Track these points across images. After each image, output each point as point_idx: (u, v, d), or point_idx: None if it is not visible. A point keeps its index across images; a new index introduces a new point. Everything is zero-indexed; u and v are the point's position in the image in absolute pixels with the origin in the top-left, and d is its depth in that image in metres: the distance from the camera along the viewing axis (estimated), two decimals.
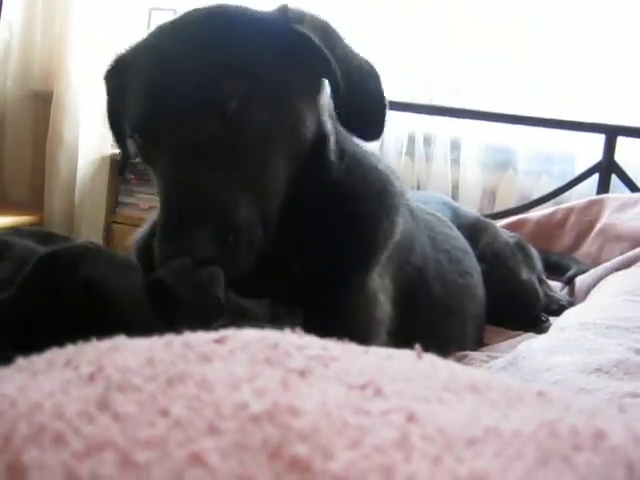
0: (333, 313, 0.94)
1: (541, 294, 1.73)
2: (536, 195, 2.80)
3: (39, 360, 0.42)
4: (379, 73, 0.97)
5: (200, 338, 0.41)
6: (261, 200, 0.88)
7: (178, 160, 0.86)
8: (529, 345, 1.15)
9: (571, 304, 1.78)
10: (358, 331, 0.97)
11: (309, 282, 0.94)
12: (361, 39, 3.02)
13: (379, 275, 1.05)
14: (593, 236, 2.26)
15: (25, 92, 3.32)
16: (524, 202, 2.79)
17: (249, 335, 0.41)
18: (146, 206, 3.21)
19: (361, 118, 0.95)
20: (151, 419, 0.31)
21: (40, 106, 3.33)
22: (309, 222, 0.96)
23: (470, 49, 2.96)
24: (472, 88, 3.00)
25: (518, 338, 1.54)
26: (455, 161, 2.97)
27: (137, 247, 1.07)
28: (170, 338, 0.42)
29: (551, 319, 1.67)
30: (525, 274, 1.70)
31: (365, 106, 0.94)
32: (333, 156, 1.00)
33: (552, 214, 2.41)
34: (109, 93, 1.06)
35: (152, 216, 1.07)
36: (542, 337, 1.30)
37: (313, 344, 0.40)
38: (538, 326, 1.63)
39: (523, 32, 2.91)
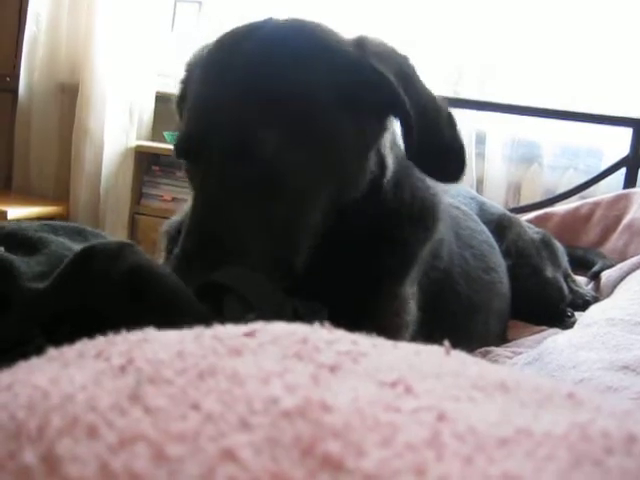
0: (364, 318, 0.94)
1: (566, 291, 1.72)
2: (562, 189, 2.78)
3: (70, 351, 0.43)
4: (452, 113, 0.94)
5: (229, 331, 0.41)
6: (286, 247, 0.87)
7: (208, 193, 0.85)
8: (555, 341, 1.14)
9: (596, 299, 1.77)
10: (387, 333, 0.97)
11: (341, 295, 0.93)
12: (387, 29, 3.01)
13: (410, 282, 1.05)
14: (620, 231, 2.23)
15: (51, 84, 3.35)
16: (549, 196, 2.76)
17: (278, 329, 0.41)
18: (170, 197, 3.23)
19: (436, 160, 0.91)
20: (183, 413, 0.31)
21: (66, 98, 3.36)
22: (350, 243, 0.95)
23: (497, 42, 2.94)
24: (498, 81, 2.97)
25: (543, 333, 1.53)
26: (480, 155, 2.95)
27: (168, 236, 1.07)
28: (199, 331, 0.43)
29: (576, 314, 1.66)
30: (550, 272, 1.68)
31: (439, 147, 0.91)
32: (388, 187, 0.97)
33: (578, 208, 2.39)
34: (182, 82, 1.02)
35: (184, 206, 1.07)
36: (568, 333, 1.29)
37: (343, 339, 0.40)
38: (563, 322, 1.62)
39: (550, 25, 2.88)
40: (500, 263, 1.49)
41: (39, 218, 3.16)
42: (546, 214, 2.41)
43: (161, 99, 3.32)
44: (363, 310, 0.95)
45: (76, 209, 3.27)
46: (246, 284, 0.70)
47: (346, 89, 0.87)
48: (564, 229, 2.31)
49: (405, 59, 0.93)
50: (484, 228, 1.52)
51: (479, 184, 2.93)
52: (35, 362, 0.43)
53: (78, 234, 0.78)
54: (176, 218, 1.09)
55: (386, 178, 0.97)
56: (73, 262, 0.60)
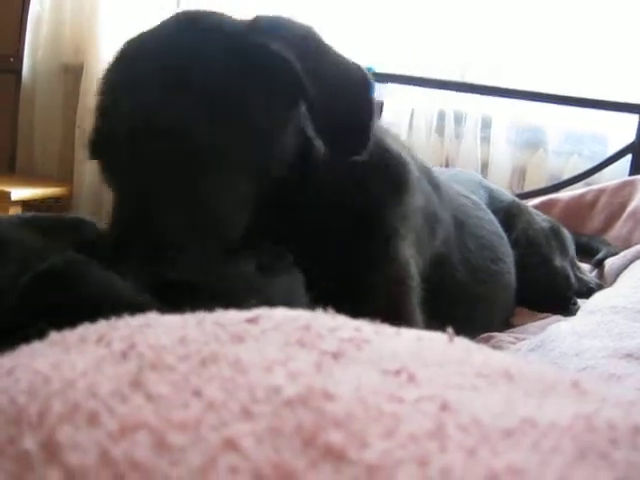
0: (363, 295, 0.93)
1: (573, 280, 1.72)
2: (566, 175, 2.77)
3: (71, 335, 0.43)
4: (371, 81, 0.91)
5: (232, 317, 0.41)
6: (215, 222, 0.86)
7: (124, 180, 0.85)
8: (558, 327, 1.14)
9: (600, 287, 1.76)
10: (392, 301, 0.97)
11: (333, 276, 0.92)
12: (392, 14, 2.99)
13: (405, 243, 1.04)
14: (624, 218, 2.22)
15: (55, 65, 3.33)
16: (554, 182, 2.75)
17: (281, 315, 0.41)
18: None
19: (341, 138, 0.89)
20: (185, 401, 0.31)
21: (70, 79, 3.34)
22: (315, 222, 0.95)
23: (504, 27, 2.92)
24: (504, 66, 2.95)
25: (546, 320, 1.53)
26: (485, 139, 2.94)
27: None
28: (202, 316, 0.42)
29: (580, 301, 1.66)
30: (559, 261, 1.68)
31: (346, 127, 0.89)
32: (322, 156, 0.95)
33: (583, 195, 2.37)
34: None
35: None
36: (571, 320, 1.28)
37: (345, 325, 0.40)
38: (567, 309, 1.62)
39: (556, 10, 2.86)
40: (508, 254, 1.48)
41: (43, 199, 3.16)
42: (551, 200, 2.39)
43: None
44: (362, 288, 0.94)
45: (80, 190, 3.26)
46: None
47: (246, 70, 0.87)
48: (569, 215, 2.30)
49: (308, 31, 0.91)
50: (493, 218, 1.51)
51: (484, 168, 2.92)
52: (37, 346, 0.42)
53: (49, 228, 0.77)
54: None
55: (315, 148, 0.95)
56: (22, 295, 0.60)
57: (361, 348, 0.37)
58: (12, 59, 3.39)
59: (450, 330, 0.46)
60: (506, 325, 1.52)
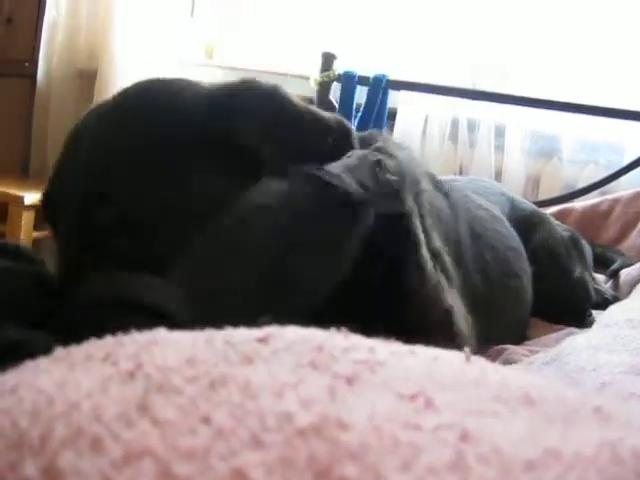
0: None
1: (592, 292, 1.69)
2: (581, 184, 2.74)
3: (77, 352, 0.41)
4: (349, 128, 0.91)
5: (242, 336, 0.40)
6: None
7: (71, 239, 0.86)
8: (573, 340, 1.12)
9: (615, 298, 1.74)
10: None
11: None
12: (406, 22, 2.97)
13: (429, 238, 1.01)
14: (639, 229, 2.20)
15: (70, 70, 3.34)
16: (569, 191, 2.72)
17: (293, 335, 0.39)
18: None
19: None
20: (192, 427, 0.29)
21: (85, 84, 3.35)
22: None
23: (517, 34, 2.90)
24: (518, 73, 2.93)
25: (560, 333, 1.51)
26: (499, 147, 2.91)
27: None
28: (211, 334, 0.41)
29: (595, 313, 1.64)
30: (578, 272, 1.65)
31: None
32: None
33: (597, 205, 2.35)
34: None
35: None
36: (587, 333, 1.26)
37: (359, 346, 0.39)
38: (583, 321, 1.60)
39: (571, 18, 2.84)
40: (525, 270, 1.46)
41: None
42: (565, 209, 2.37)
43: None
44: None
45: None
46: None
47: (199, 155, 0.86)
48: (583, 225, 2.27)
49: (273, 96, 0.91)
50: (513, 234, 1.48)
51: (497, 177, 2.89)
52: (41, 363, 0.41)
53: None
54: None
55: None
56: None
57: (375, 371, 0.35)
58: (27, 64, 3.41)
59: (467, 349, 0.44)
60: (520, 339, 1.50)
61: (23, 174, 3.46)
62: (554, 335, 1.50)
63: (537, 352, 1.32)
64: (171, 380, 0.34)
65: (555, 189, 2.85)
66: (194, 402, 0.31)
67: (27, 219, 2.94)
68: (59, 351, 0.42)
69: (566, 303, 1.59)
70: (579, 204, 2.43)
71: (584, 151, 2.87)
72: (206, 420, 0.30)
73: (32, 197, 2.92)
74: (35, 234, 2.99)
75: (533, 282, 1.48)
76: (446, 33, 2.96)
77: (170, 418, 0.30)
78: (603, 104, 2.66)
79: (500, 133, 2.91)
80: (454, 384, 0.36)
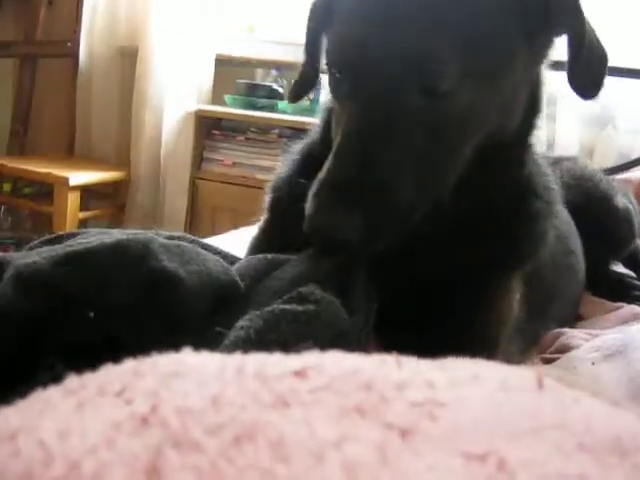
0: (470, 306, 0.85)
1: (637, 227, 1.56)
2: (636, 154, 2.62)
3: (90, 383, 0.36)
4: None
5: (277, 367, 0.34)
6: (435, 188, 0.77)
7: (363, 121, 0.75)
8: (639, 332, 1.03)
9: None
10: (491, 328, 0.89)
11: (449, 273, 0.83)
12: None
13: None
14: None
15: (112, 49, 3.31)
16: (624, 161, 2.61)
17: (335, 367, 0.33)
18: (230, 162, 3.17)
19: (586, 76, 0.84)
20: None
21: (126, 63, 3.32)
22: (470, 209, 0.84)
23: None
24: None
25: (619, 312, 1.43)
26: (551, 116, 2.80)
27: (274, 195, 0.98)
28: (242, 362, 0.35)
29: None
30: (620, 201, 1.53)
31: (592, 64, 0.84)
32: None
33: None
34: (313, 6, 0.91)
35: (288, 157, 0.98)
36: None
37: (415, 380, 0.33)
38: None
39: None
40: (577, 242, 1.36)
41: (100, 184, 3.15)
42: (624, 180, 2.26)
43: (221, 62, 3.25)
44: (466, 298, 0.84)
45: (137, 174, 3.24)
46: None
47: (518, 6, 0.76)
48: None
49: None
50: (562, 207, 1.38)
51: (549, 147, 2.79)
52: (52, 395, 0.36)
53: None
54: (281, 173, 0.98)
55: (537, 121, 0.89)
56: None
57: (435, 418, 0.29)
58: (69, 44, 3.39)
59: (539, 373, 0.38)
60: (576, 319, 1.42)
61: (69, 154, 3.46)
62: (611, 316, 1.41)
63: (597, 335, 1.25)
64: (190, 430, 0.28)
65: (610, 159, 2.74)
66: (214, 465, 0.26)
67: (73, 200, 2.93)
68: (72, 381, 0.37)
69: (607, 233, 1.46)
70: (637, 174, 2.31)
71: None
72: None
73: (77, 178, 2.92)
74: (81, 215, 2.99)
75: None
76: None
77: None
78: None
79: (552, 101, 2.80)
80: (530, 429, 0.30)
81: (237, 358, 0.36)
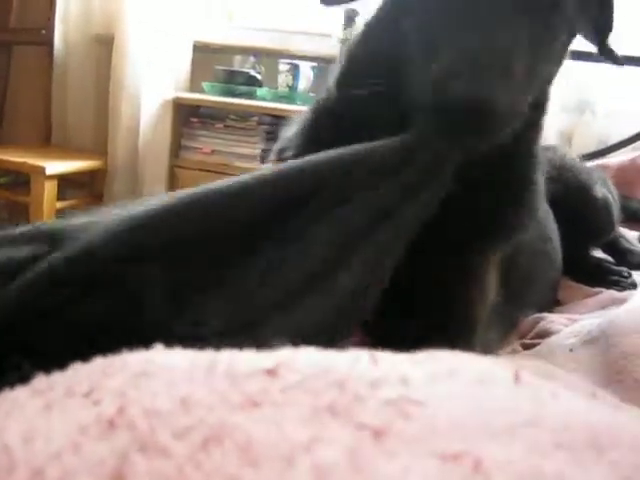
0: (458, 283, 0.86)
1: (616, 216, 1.57)
2: (614, 139, 2.64)
3: (58, 383, 0.35)
4: None
5: (247, 365, 0.33)
6: (526, 90, 0.76)
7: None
8: (618, 317, 1.03)
9: None
10: (474, 306, 0.90)
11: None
12: None
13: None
14: None
15: (87, 37, 3.27)
16: (602, 147, 2.62)
17: (307, 364, 0.33)
18: (209, 150, 3.15)
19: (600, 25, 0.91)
20: None
21: (102, 50, 3.28)
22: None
23: None
24: None
25: (598, 297, 1.43)
26: None
27: (279, 155, 0.93)
28: (213, 360, 0.35)
29: (635, 274, 1.55)
30: (599, 191, 1.53)
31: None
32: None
33: (634, 159, 2.25)
34: None
35: (294, 124, 0.93)
36: (634, 306, 1.16)
37: (389, 377, 0.32)
38: (620, 282, 1.50)
39: None
40: (554, 229, 1.36)
41: (77, 173, 3.12)
42: (600, 166, 2.27)
43: (199, 49, 3.21)
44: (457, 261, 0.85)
45: (114, 162, 3.21)
46: None
47: None
48: (620, 181, 2.16)
49: None
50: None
51: None
52: (20, 395, 0.36)
53: None
54: (287, 134, 0.94)
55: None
56: None
57: (409, 417, 0.29)
58: (44, 31, 3.34)
59: (516, 370, 0.37)
60: (554, 303, 1.42)
61: (45, 142, 3.42)
62: (590, 301, 1.42)
63: (576, 321, 1.25)
64: (157, 433, 0.28)
65: (589, 144, 2.75)
66: (181, 470, 0.25)
67: (50, 189, 2.90)
68: (40, 381, 0.36)
69: (585, 221, 1.47)
70: (615, 160, 2.33)
71: (617, 104, 2.76)
72: None
73: (54, 167, 2.88)
74: (58, 204, 2.96)
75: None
76: None
77: None
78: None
79: None
80: (506, 426, 0.30)
81: (208, 356, 0.35)
